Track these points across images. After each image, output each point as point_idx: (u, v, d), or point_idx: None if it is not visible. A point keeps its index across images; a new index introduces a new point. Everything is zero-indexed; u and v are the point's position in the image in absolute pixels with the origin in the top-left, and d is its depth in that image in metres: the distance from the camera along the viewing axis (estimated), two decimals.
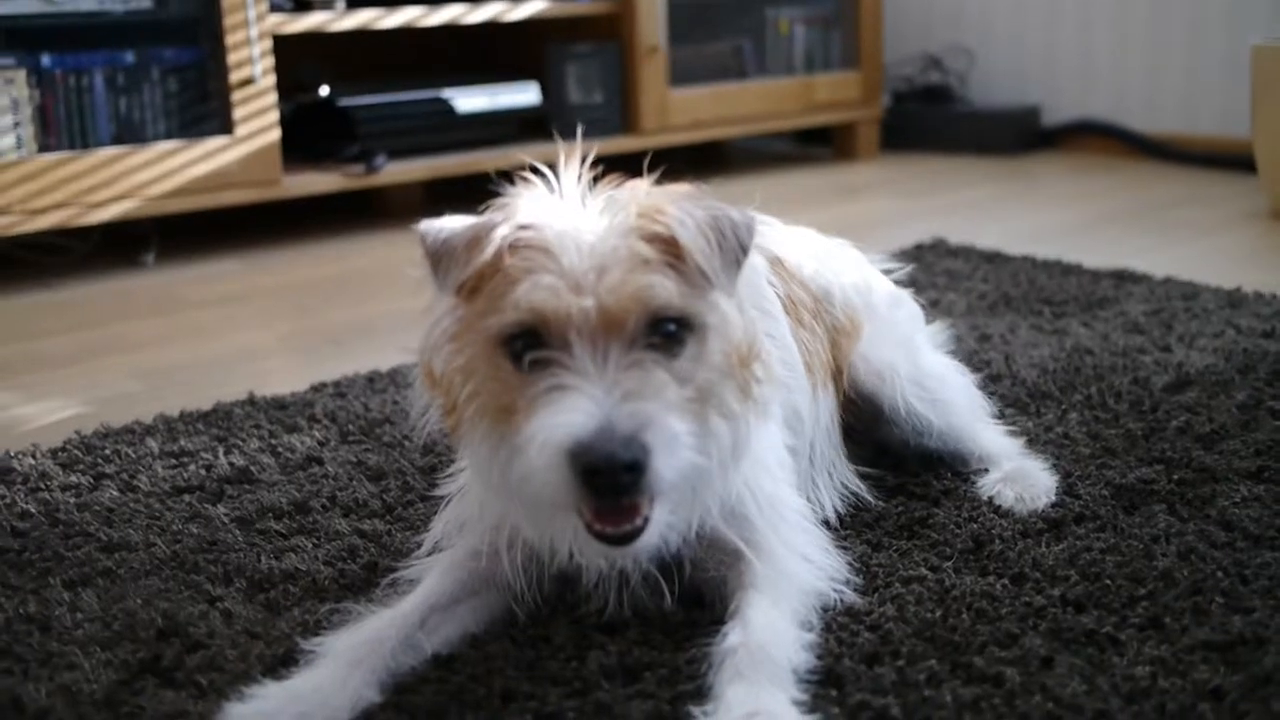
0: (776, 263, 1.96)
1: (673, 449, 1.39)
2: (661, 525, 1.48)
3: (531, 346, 1.44)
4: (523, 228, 1.50)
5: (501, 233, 1.50)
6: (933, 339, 2.29)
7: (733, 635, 1.50)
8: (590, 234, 1.48)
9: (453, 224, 1.57)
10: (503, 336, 1.46)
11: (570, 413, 1.37)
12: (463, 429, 1.57)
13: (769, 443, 1.74)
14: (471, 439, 1.56)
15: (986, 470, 2.08)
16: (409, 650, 1.57)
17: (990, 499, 1.99)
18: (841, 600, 1.67)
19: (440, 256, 1.54)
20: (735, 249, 1.54)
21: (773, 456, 1.74)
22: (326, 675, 1.50)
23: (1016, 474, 2.04)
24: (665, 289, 1.45)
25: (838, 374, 2.06)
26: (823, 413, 1.97)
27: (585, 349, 1.41)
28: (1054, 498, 1.99)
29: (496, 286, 1.48)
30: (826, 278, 2.09)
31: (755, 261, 1.87)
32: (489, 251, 1.49)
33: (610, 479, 1.35)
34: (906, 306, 2.26)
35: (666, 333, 1.46)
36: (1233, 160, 4.92)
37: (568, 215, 1.53)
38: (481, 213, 1.59)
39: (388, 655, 1.55)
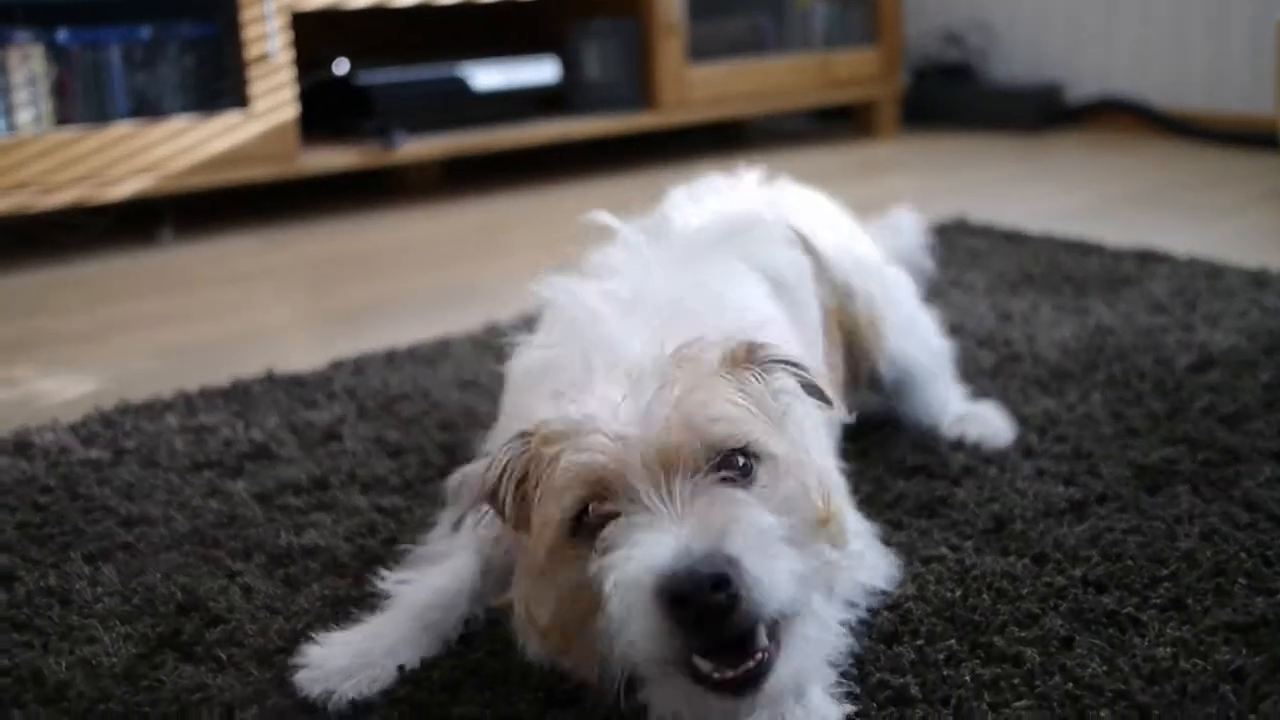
0: (821, 270, 1.95)
1: (765, 549, 1.22)
2: (795, 659, 1.29)
3: (596, 524, 1.29)
4: (536, 428, 1.38)
5: (501, 462, 1.39)
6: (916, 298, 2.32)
7: None
8: (635, 383, 1.36)
9: (478, 464, 1.47)
10: (565, 525, 1.32)
11: (641, 546, 1.22)
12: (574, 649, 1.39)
13: (826, 466, 1.62)
14: (586, 651, 1.36)
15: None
16: (469, 613, 1.60)
17: (959, 438, 2.11)
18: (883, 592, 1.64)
19: (454, 495, 1.48)
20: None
21: (830, 479, 1.65)
22: (400, 635, 1.54)
23: (972, 416, 2.15)
24: (726, 416, 1.32)
25: (853, 376, 2.07)
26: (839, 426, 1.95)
27: (648, 490, 1.26)
28: (1013, 437, 2.12)
29: (545, 485, 1.34)
30: (847, 265, 2.06)
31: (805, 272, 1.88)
32: (496, 472, 1.39)
33: (699, 604, 1.16)
34: (908, 286, 2.28)
35: (735, 465, 1.31)
36: (1258, 138, 4.87)
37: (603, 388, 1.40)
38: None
39: (457, 620, 1.58)
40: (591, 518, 1.29)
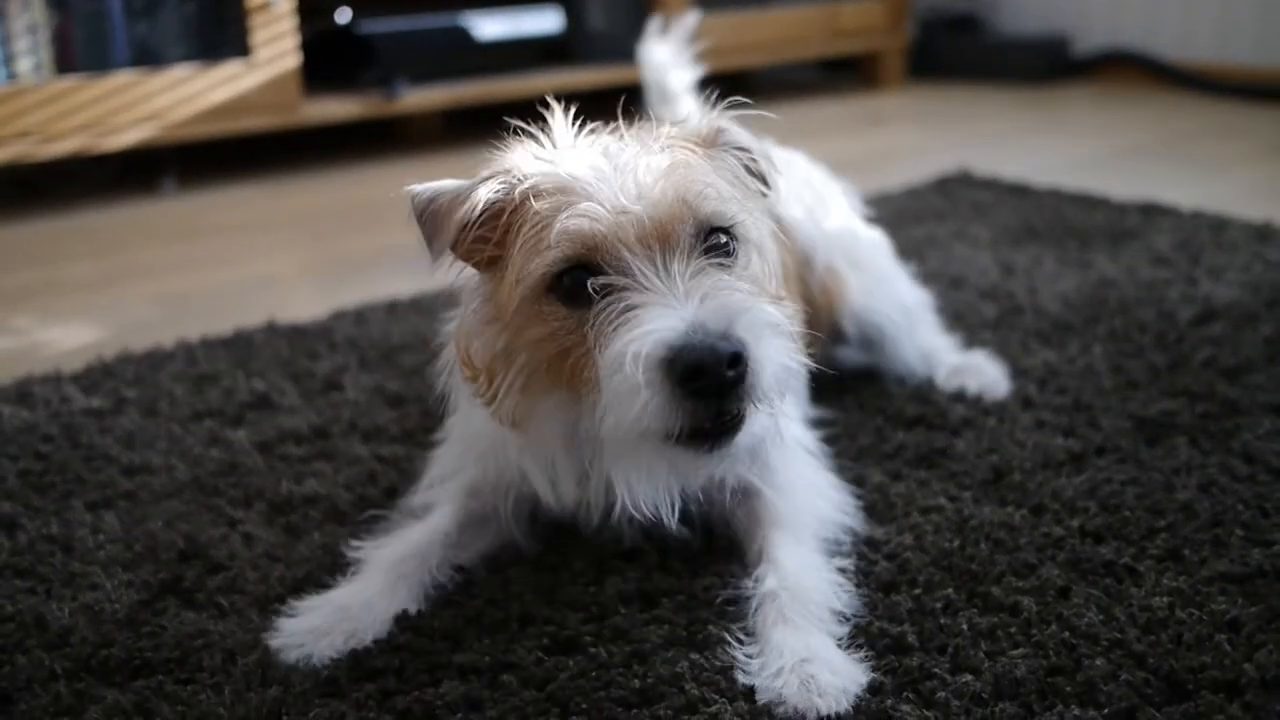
0: (782, 232, 1.95)
1: (770, 336, 1.32)
2: (758, 426, 1.37)
3: (582, 282, 1.37)
4: (531, 175, 1.44)
5: (485, 191, 1.44)
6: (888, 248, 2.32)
7: (769, 578, 1.50)
8: (612, 161, 1.43)
9: (440, 186, 1.50)
10: (548, 279, 1.39)
11: (653, 322, 1.29)
12: (515, 409, 1.48)
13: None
14: (527, 415, 1.48)
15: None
16: (446, 565, 1.60)
17: (958, 390, 2.12)
18: (856, 533, 1.67)
19: (425, 222, 1.48)
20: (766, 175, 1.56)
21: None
22: (374, 589, 1.54)
23: (968, 368, 2.16)
24: (713, 193, 1.41)
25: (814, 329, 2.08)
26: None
27: (644, 265, 1.35)
28: (1010, 386, 2.13)
29: (527, 239, 1.40)
30: (812, 235, 2.07)
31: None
32: (475, 210, 1.43)
33: (715, 378, 1.26)
34: (882, 245, 2.28)
35: (718, 244, 1.41)
36: (1267, 91, 4.84)
37: (575, 153, 1.47)
38: (481, 168, 1.52)
39: (432, 569, 1.59)
40: (577, 281, 1.37)
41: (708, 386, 1.27)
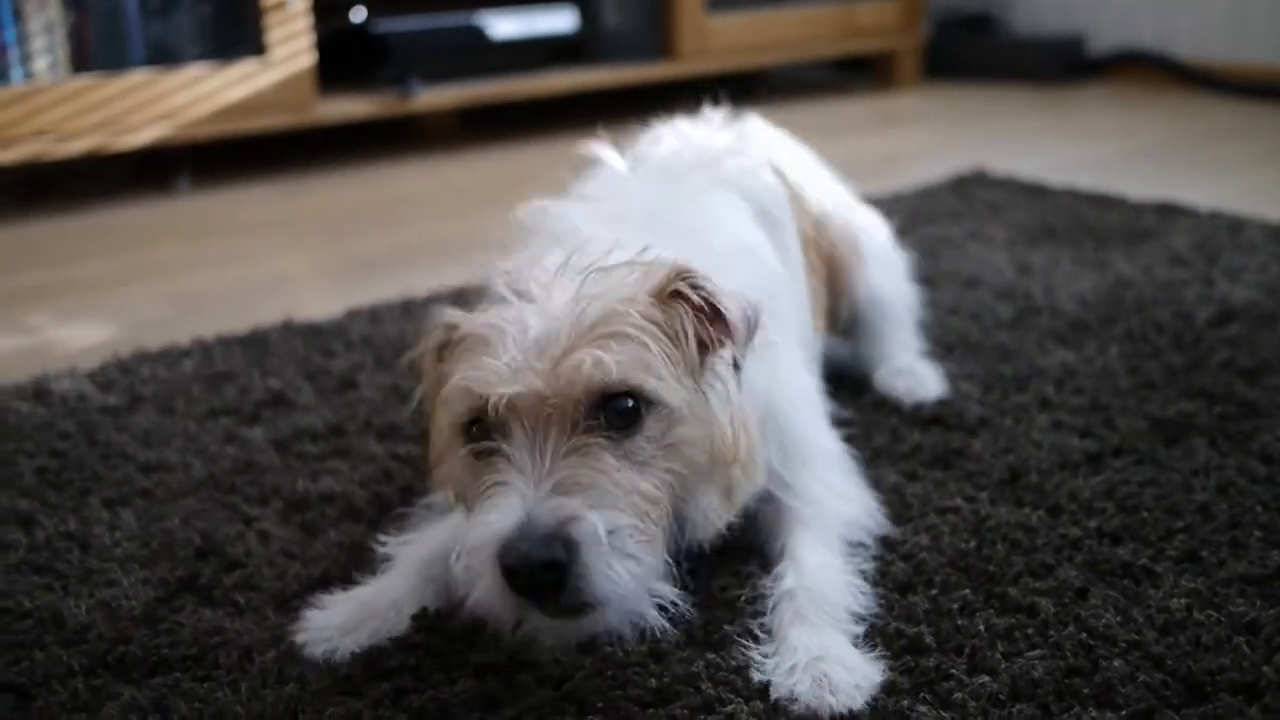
0: (796, 200, 1.95)
1: (605, 545, 1.29)
2: (622, 614, 1.37)
3: (482, 435, 1.39)
4: (457, 326, 1.48)
5: (429, 342, 1.52)
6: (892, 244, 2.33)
7: (788, 577, 1.50)
8: (541, 314, 1.40)
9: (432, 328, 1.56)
10: (456, 426, 1.43)
11: (497, 511, 1.31)
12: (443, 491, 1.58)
13: (799, 384, 1.71)
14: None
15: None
16: None
17: (884, 393, 2.13)
18: (879, 536, 1.66)
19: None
20: (753, 330, 1.48)
21: (803, 398, 1.72)
22: (402, 588, 1.55)
23: (906, 369, 2.16)
24: (613, 362, 1.34)
25: (831, 310, 2.09)
26: (819, 355, 1.97)
27: (524, 437, 1.35)
28: (942, 394, 2.11)
29: (442, 393, 1.45)
30: (823, 203, 2.09)
31: (782, 199, 1.87)
32: (419, 355, 1.53)
33: (528, 579, 1.27)
34: (883, 228, 2.30)
35: (620, 409, 1.36)
36: None
37: (529, 300, 1.45)
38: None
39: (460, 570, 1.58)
40: (473, 438, 1.40)
41: (521, 586, 1.29)
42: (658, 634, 1.41)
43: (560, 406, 1.35)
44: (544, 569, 1.27)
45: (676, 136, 1.99)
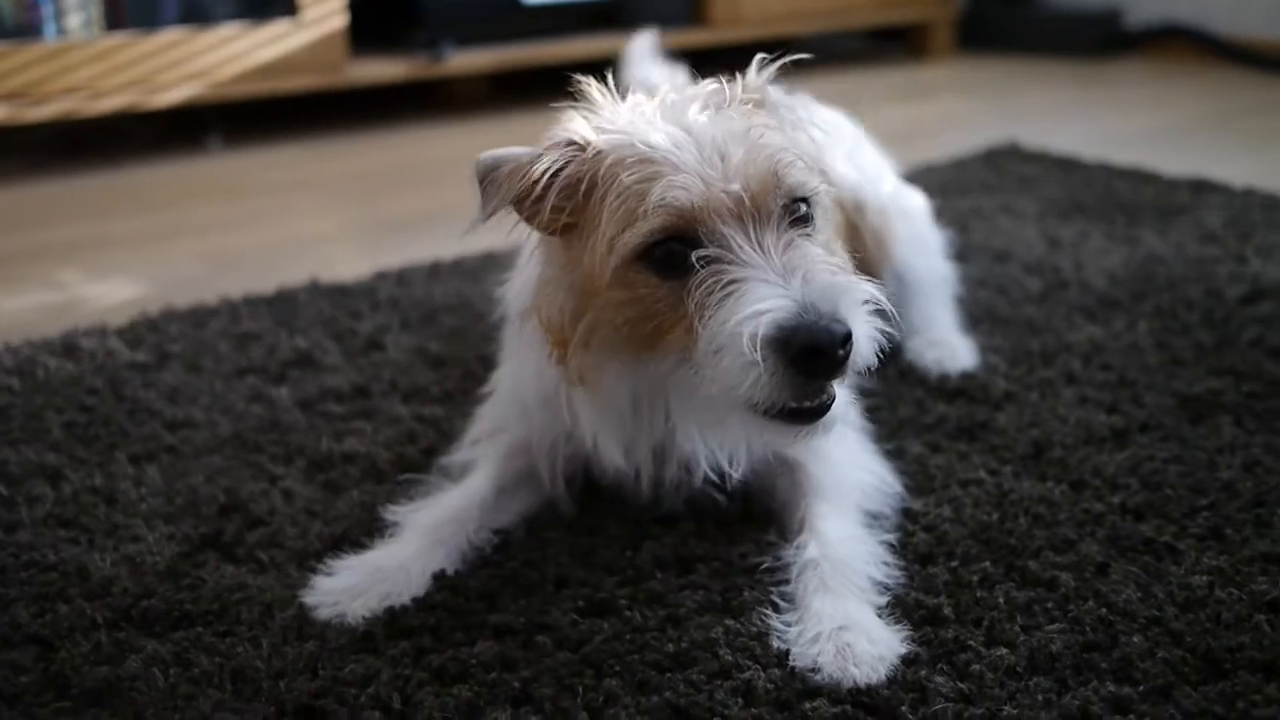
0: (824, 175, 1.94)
1: (867, 320, 1.35)
2: (839, 405, 1.42)
3: (675, 253, 1.39)
4: (605, 145, 1.45)
5: (548, 161, 1.45)
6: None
7: (810, 547, 1.50)
8: (694, 129, 1.43)
9: (505, 153, 1.51)
10: (641, 249, 1.39)
11: (764, 301, 1.32)
12: (585, 369, 1.50)
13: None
14: (597, 375, 1.51)
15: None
16: (484, 530, 1.61)
17: (911, 362, 2.13)
18: (898, 507, 1.66)
19: (485, 186, 1.49)
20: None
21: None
22: (410, 552, 1.55)
23: (940, 341, 2.15)
24: (797, 162, 1.44)
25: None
26: None
27: (740, 238, 1.37)
28: (971, 367, 2.10)
29: (615, 210, 1.41)
30: (862, 186, 2.07)
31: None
32: (540, 178, 1.45)
33: (830, 357, 1.30)
34: (923, 206, 2.30)
35: (798, 213, 1.43)
36: None
37: (646, 121, 1.47)
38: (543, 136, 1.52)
39: (471, 534, 1.60)
40: (661, 253, 1.39)
41: (820, 365, 1.31)
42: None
43: (766, 207, 1.39)
44: (842, 344, 1.30)
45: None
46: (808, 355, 1.30)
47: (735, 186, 1.38)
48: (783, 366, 1.30)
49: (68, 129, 4.22)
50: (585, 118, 1.51)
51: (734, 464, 1.58)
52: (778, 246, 1.37)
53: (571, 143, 1.47)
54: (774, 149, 1.43)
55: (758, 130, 1.45)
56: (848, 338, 1.31)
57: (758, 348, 1.30)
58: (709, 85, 1.54)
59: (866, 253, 2.05)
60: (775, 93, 1.58)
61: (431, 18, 4.43)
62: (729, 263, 1.36)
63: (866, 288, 1.37)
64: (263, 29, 4.01)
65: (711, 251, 1.37)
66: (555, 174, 1.45)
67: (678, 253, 1.38)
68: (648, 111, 1.50)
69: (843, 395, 1.43)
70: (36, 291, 2.76)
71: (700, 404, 1.46)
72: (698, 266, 1.37)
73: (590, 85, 1.56)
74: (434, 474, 1.74)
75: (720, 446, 1.57)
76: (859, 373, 1.38)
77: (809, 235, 1.43)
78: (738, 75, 1.57)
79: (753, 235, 1.37)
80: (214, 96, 3.99)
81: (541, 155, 1.46)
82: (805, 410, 1.37)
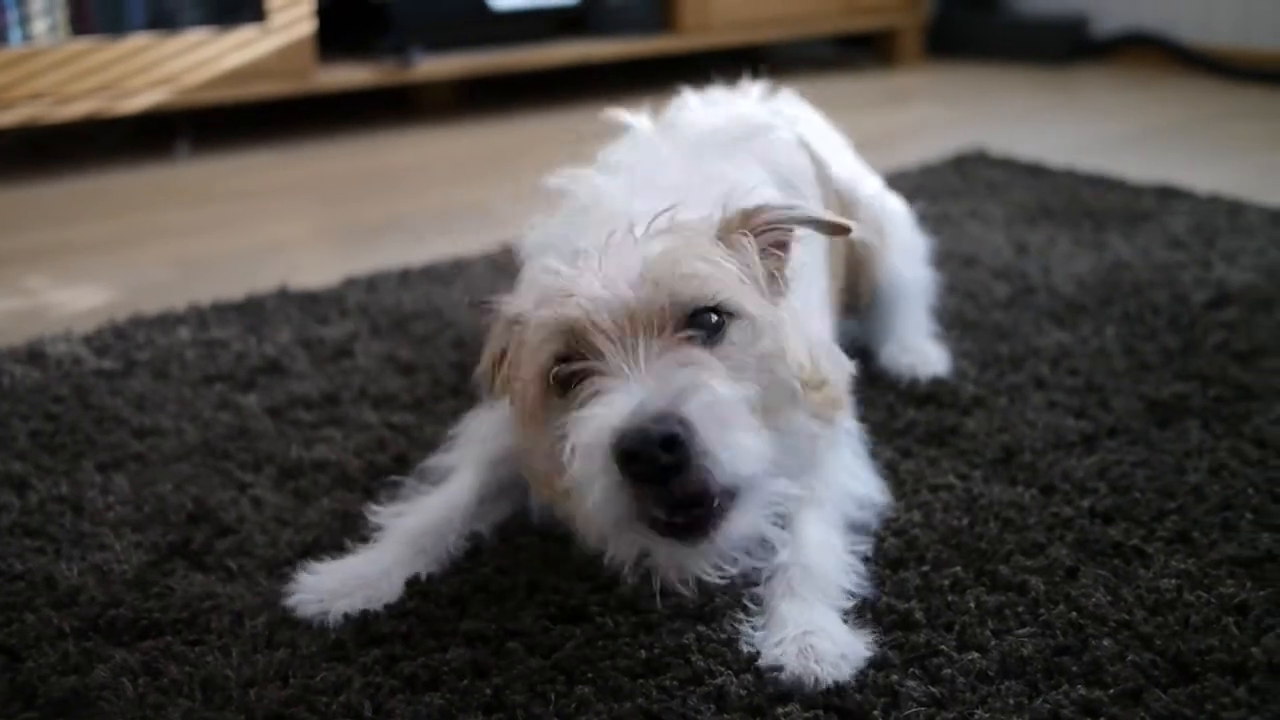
0: (824, 182, 1.94)
1: (722, 418, 1.24)
2: (751, 520, 1.34)
3: (572, 374, 1.34)
4: (522, 318, 1.44)
5: (497, 341, 1.49)
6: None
7: (784, 552, 1.50)
8: (609, 263, 1.38)
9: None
10: (541, 380, 1.37)
11: (606, 406, 1.26)
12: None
13: (821, 322, 1.73)
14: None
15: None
16: (461, 537, 1.61)
17: (885, 367, 2.13)
18: (881, 516, 1.66)
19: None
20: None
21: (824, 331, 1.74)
22: (392, 558, 1.55)
23: (914, 347, 2.15)
24: (697, 275, 1.34)
25: (852, 289, 2.09)
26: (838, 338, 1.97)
27: (615, 350, 1.30)
28: (945, 372, 2.10)
29: (522, 351, 1.41)
30: (853, 189, 2.09)
31: (809, 177, 1.87)
32: (487, 356, 1.50)
33: (650, 460, 1.20)
34: (907, 214, 2.30)
35: (705, 323, 1.34)
36: None
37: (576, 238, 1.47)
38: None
39: (451, 542, 1.60)
40: (563, 372, 1.34)
41: (644, 471, 1.21)
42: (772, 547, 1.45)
43: (647, 317, 1.31)
44: (664, 445, 1.19)
45: (708, 107, 1.98)
46: (627, 459, 1.21)
47: (614, 296, 1.32)
48: (616, 475, 1.22)
49: (34, 135, 4.19)
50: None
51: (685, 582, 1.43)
52: (650, 354, 1.28)
53: (511, 321, 1.47)
54: (675, 263, 1.34)
55: (676, 249, 1.37)
56: (672, 440, 1.19)
57: (591, 456, 1.24)
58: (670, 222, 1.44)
59: (861, 253, 2.06)
60: (773, 212, 1.48)
61: (400, 23, 4.42)
62: (599, 374, 1.30)
63: (725, 390, 1.27)
64: (231, 35, 3.99)
65: (588, 364, 1.31)
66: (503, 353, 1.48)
67: (575, 373, 1.34)
68: (579, 224, 1.51)
69: (748, 516, 1.32)
70: (2, 298, 2.73)
71: (594, 529, 1.37)
72: (572, 383, 1.33)
73: (552, 180, 1.61)
74: (412, 478, 1.73)
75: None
76: (731, 485, 1.26)
77: (712, 345, 1.33)
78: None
79: (628, 347, 1.29)
80: (182, 102, 3.97)
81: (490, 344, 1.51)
82: (675, 526, 1.28)
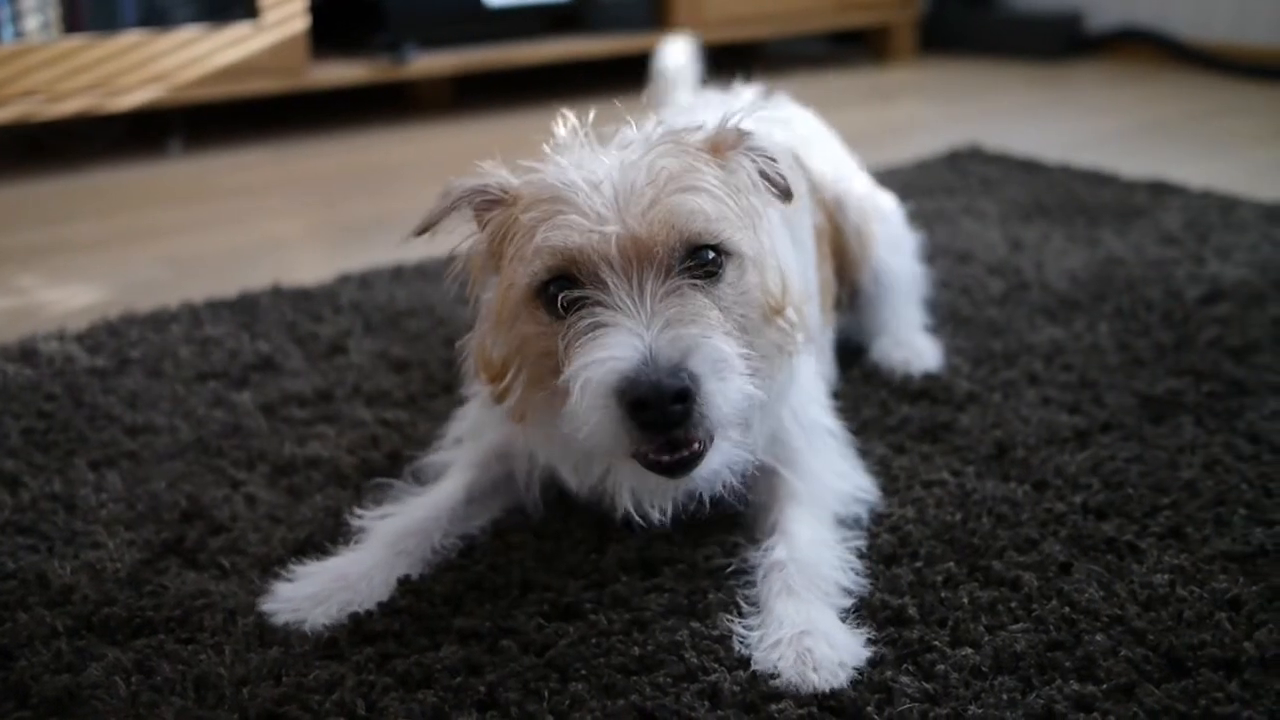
0: (814, 189, 1.95)
1: (723, 373, 1.32)
2: (723, 457, 1.40)
3: (562, 292, 1.39)
4: (520, 185, 1.48)
5: (464, 186, 1.50)
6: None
7: (778, 549, 1.50)
8: (614, 167, 1.42)
9: (453, 184, 1.54)
10: (533, 287, 1.41)
11: (611, 349, 1.31)
12: (519, 405, 1.50)
13: (806, 368, 1.71)
14: (530, 412, 1.51)
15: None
16: (448, 538, 1.61)
17: (877, 362, 2.14)
18: (873, 513, 1.66)
19: (434, 206, 1.54)
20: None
21: (809, 381, 1.73)
22: (373, 560, 1.55)
23: (906, 341, 2.16)
24: (703, 212, 1.39)
25: (839, 288, 2.10)
26: (829, 336, 1.98)
27: (619, 282, 1.35)
28: (938, 367, 2.11)
29: (517, 248, 1.43)
30: (842, 185, 2.09)
31: (800, 190, 1.87)
32: (450, 201, 1.50)
33: (659, 411, 1.29)
34: (897, 209, 2.31)
35: (703, 260, 1.40)
36: None
37: (569, 159, 1.47)
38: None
39: (434, 543, 1.59)
40: (553, 291, 1.39)
41: (653, 419, 1.29)
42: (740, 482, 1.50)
43: (653, 253, 1.37)
44: (675, 399, 1.28)
45: (703, 108, 1.98)
46: (639, 407, 1.29)
47: (621, 228, 1.36)
48: (620, 416, 1.30)
49: (26, 132, 4.18)
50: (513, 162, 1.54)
51: (659, 508, 1.54)
52: (655, 293, 1.35)
53: (491, 184, 1.51)
54: (679, 194, 1.40)
55: (681, 178, 1.41)
56: (684, 393, 1.29)
57: (596, 395, 1.31)
58: (669, 129, 1.52)
59: (848, 251, 2.06)
60: (755, 140, 1.54)
61: (394, 20, 4.41)
62: (601, 305, 1.36)
63: (725, 347, 1.34)
64: (223, 32, 3.99)
65: (588, 293, 1.37)
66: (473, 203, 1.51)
67: (566, 293, 1.39)
68: (588, 150, 1.51)
69: (720, 451, 1.39)
70: None
71: (589, 449, 1.44)
72: (572, 308, 1.38)
73: (562, 120, 1.58)
74: (403, 478, 1.73)
75: (642, 485, 1.52)
76: (718, 431, 1.36)
77: (706, 286, 1.39)
78: (710, 118, 1.55)
79: (633, 280, 1.36)
80: (175, 99, 3.96)
81: (461, 193, 1.52)
82: (664, 464, 1.36)
